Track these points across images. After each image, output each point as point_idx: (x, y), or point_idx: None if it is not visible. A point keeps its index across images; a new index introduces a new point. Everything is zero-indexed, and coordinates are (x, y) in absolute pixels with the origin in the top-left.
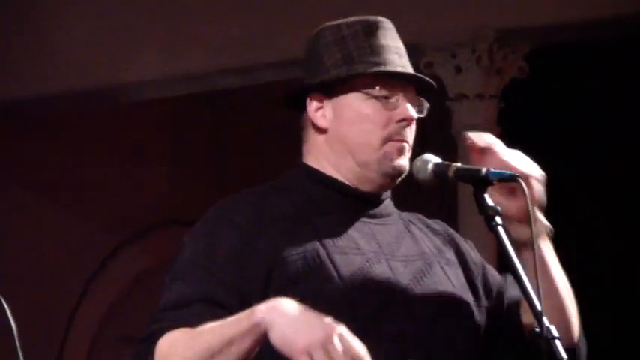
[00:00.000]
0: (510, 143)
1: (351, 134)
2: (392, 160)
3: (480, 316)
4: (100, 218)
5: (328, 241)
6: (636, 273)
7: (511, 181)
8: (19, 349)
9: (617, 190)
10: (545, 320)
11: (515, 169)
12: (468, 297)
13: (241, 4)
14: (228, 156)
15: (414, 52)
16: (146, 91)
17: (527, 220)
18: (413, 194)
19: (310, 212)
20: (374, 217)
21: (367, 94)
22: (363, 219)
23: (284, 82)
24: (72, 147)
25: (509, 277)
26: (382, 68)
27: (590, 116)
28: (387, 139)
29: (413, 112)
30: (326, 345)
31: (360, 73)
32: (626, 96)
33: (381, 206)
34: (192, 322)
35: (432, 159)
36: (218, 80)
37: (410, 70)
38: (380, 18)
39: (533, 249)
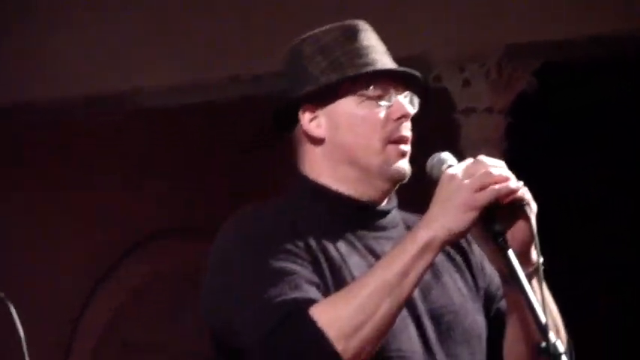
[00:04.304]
0: (518, 158)
1: (350, 139)
2: (393, 163)
3: (485, 323)
4: (105, 226)
5: (340, 262)
6: None
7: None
8: (26, 356)
9: (627, 204)
10: (551, 336)
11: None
12: (478, 305)
13: (256, 12)
14: (230, 166)
15: (422, 66)
16: (154, 100)
17: (524, 247)
18: (421, 194)
19: (317, 233)
20: (379, 229)
21: (361, 95)
22: (367, 232)
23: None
24: (79, 154)
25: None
26: (372, 68)
27: (599, 131)
28: (388, 140)
29: (410, 108)
30: (485, 185)
31: (352, 77)
32: (636, 111)
33: (387, 218)
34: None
35: (449, 160)
36: (229, 89)
37: (396, 66)
38: (356, 21)
39: (532, 269)
